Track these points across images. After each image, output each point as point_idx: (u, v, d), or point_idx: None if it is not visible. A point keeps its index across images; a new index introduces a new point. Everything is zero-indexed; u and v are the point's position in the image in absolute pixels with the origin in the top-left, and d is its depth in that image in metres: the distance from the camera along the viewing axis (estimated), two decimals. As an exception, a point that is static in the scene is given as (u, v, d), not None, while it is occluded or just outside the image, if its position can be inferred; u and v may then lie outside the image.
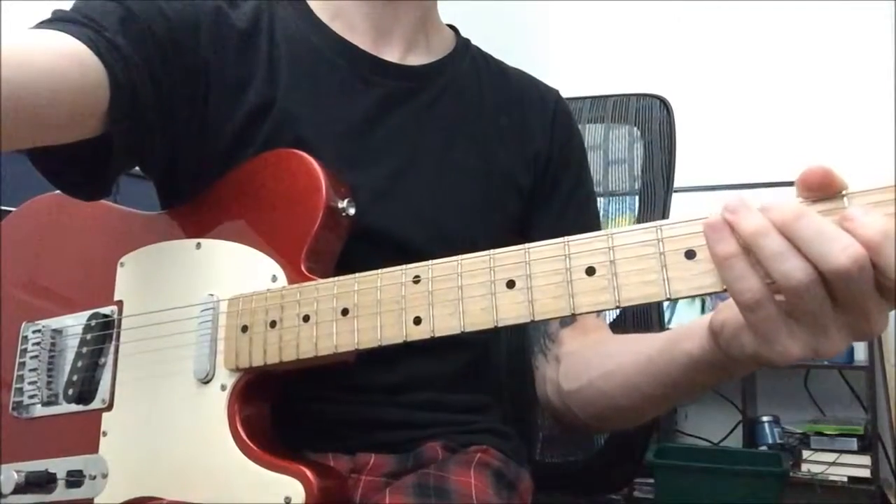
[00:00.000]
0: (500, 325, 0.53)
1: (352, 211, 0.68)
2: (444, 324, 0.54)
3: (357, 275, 0.60)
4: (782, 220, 0.44)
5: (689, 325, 0.60)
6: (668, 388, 0.63)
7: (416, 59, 0.82)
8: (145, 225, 0.76)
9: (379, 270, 0.59)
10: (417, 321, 0.55)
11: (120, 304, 0.74)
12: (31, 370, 0.78)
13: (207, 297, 0.68)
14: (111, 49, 0.63)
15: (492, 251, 0.54)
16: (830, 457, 2.65)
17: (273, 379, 0.67)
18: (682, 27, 3.24)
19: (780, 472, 2.35)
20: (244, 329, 0.64)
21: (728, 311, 0.51)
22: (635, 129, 1.15)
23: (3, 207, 1.17)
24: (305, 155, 0.68)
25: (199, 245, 0.71)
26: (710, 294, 0.47)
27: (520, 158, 0.83)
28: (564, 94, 0.93)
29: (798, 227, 0.43)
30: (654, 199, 1.10)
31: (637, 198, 1.12)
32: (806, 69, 3.03)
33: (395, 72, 0.79)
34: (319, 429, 0.71)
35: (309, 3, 0.81)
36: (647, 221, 1.08)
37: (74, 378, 0.74)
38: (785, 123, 3.01)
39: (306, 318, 0.61)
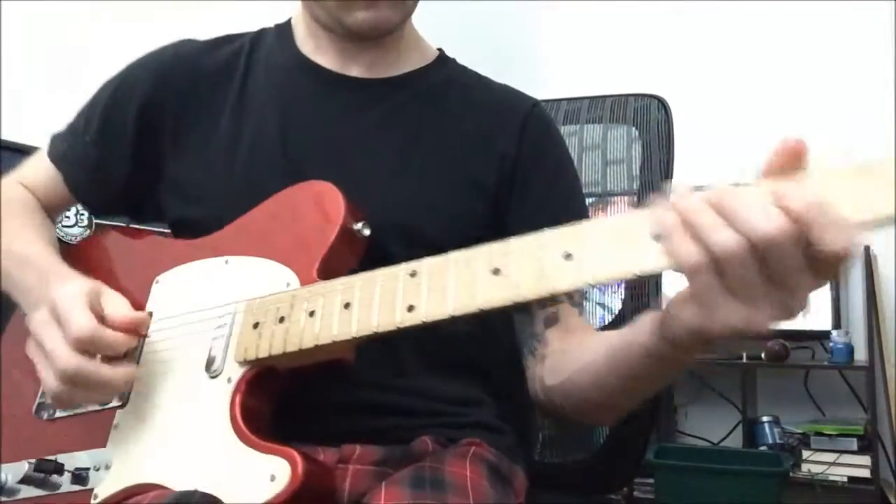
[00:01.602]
0: (485, 308, 0.57)
1: (366, 232, 0.73)
2: (434, 310, 0.58)
3: (361, 274, 0.64)
4: (715, 198, 0.48)
5: (642, 318, 0.62)
6: (630, 380, 0.66)
7: (383, 72, 0.88)
8: (182, 248, 0.83)
9: (380, 269, 0.63)
10: (410, 308, 0.59)
11: (150, 314, 0.78)
12: None
13: (228, 301, 0.73)
14: (72, 164, 0.91)
15: (482, 245, 0.59)
16: (830, 457, 2.65)
17: (278, 376, 0.69)
18: (680, 27, 3.25)
19: (780, 472, 2.35)
20: (255, 325, 0.69)
21: (674, 295, 0.55)
22: (633, 129, 1.15)
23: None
24: (329, 184, 0.75)
25: (227, 261, 0.77)
26: (673, 268, 0.50)
27: (481, 161, 0.85)
28: (563, 94, 0.94)
29: (729, 202, 0.47)
30: (653, 199, 1.10)
31: (636, 198, 1.13)
32: (805, 69, 3.03)
33: (358, 84, 0.86)
34: (306, 414, 0.72)
35: (294, 27, 0.92)
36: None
37: None
38: (784, 123, 3.01)
39: (312, 313, 0.65)
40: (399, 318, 0.59)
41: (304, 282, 0.69)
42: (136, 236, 0.90)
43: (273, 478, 0.61)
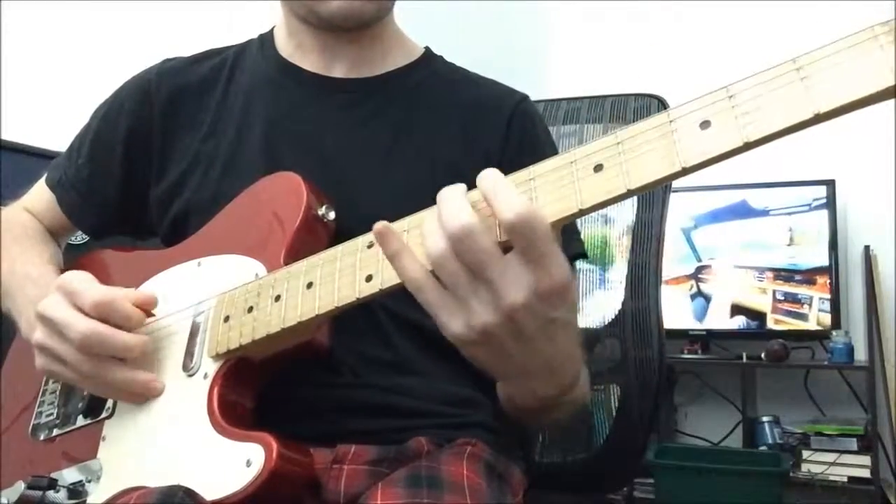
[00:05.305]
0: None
1: (331, 215, 0.74)
2: (390, 275, 0.58)
3: (322, 252, 0.65)
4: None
5: None
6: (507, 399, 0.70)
7: (366, 71, 0.88)
8: (158, 258, 0.84)
9: (341, 245, 0.63)
10: (369, 279, 0.60)
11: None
12: (50, 393, 0.84)
13: (201, 300, 0.74)
14: (66, 187, 0.93)
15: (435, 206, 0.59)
16: (830, 457, 2.65)
17: (254, 367, 0.70)
18: (680, 26, 3.24)
19: (780, 472, 2.35)
20: (226, 319, 0.70)
21: None
22: (634, 128, 1.15)
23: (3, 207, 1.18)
24: (291, 173, 0.76)
25: (199, 263, 0.79)
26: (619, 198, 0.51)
27: (466, 159, 0.85)
28: (563, 94, 0.93)
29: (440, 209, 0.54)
30: (652, 198, 1.11)
31: (636, 198, 1.13)
32: (805, 69, 3.03)
33: (341, 85, 0.87)
34: (300, 414, 0.72)
35: (276, 33, 0.93)
36: (646, 221, 1.09)
37: (85, 393, 0.79)
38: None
39: (278, 298, 0.66)
40: (358, 290, 0.60)
41: (272, 270, 0.70)
42: (117, 254, 0.91)
43: (249, 463, 0.61)
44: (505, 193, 0.51)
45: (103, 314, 0.70)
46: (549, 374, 0.63)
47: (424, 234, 0.54)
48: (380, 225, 0.56)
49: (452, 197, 0.53)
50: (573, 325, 0.60)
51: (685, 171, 0.48)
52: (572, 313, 0.59)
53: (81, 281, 0.72)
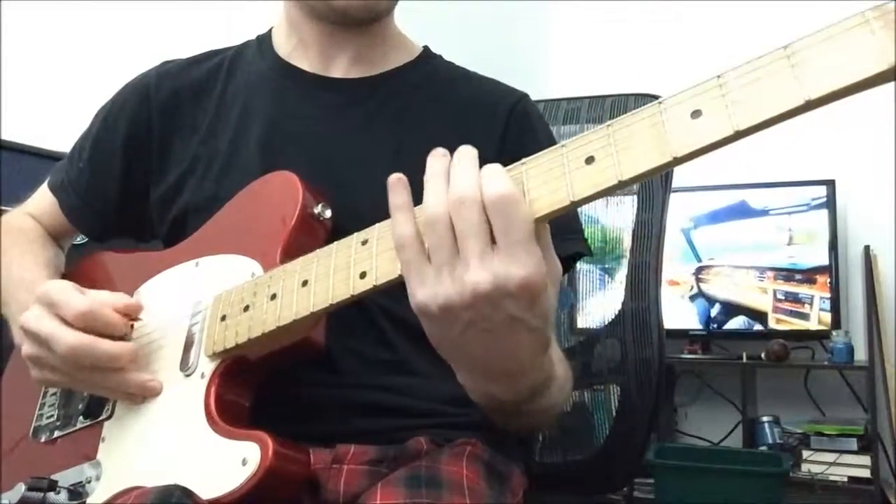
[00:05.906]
0: None
1: (328, 214, 0.75)
2: (384, 271, 0.58)
3: (319, 250, 0.65)
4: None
5: None
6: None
7: (366, 70, 0.88)
8: (157, 259, 0.85)
9: (336, 242, 0.64)
10: (363, 275, 0.59)
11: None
12: (51, 395, 0.84)
13: (199, 300, 0.74)
14: (67, 190, 0.94)
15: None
16: (830, 457, 2.65)
17: (251, 366, 0.70)
18: (680, 26, 3.25)
19: (780, 472, 2.35)
20: (223, 318, 0.70)
21: None
22: (633, 128, 1.15)
23: (3, 207, 1.18)
24: (287, 172, 0.76)
25: (197, 264, 0.79)
26: (610, 190, 0.50)
27: None
28: (564, 94, 0.93)
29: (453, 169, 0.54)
30: (652, 199, 1.11)
31: (636, 198, 1.13)
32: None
33: (339, 85, 0.87)
34: (300, 414, 0.72)
35: (274, 34, 0.93)
36: (646, 221, 1.09)
37: (85, 394, 0.79)
38: (783, 123, 3.01)
39: (273, 297, 0.66)
40: (352, 286, 0.59)
41: (268, 269, 0.70)
42: (117, 255, 0.92)
43: (245, 461, 0.61)
44: (495, 175, 0.53)
45: (87, 324, 0.70)
46: (505, 376, 0.62)
47: (429, 191, 0.54)
48: (395, 176, 0.56)
49: (468, 159, 0.54)
50: (542, 334, 0.58)
51: (677, 161, 0.48)
52: (545, 323, 0.57)
53: (61, 291, 0.72)
